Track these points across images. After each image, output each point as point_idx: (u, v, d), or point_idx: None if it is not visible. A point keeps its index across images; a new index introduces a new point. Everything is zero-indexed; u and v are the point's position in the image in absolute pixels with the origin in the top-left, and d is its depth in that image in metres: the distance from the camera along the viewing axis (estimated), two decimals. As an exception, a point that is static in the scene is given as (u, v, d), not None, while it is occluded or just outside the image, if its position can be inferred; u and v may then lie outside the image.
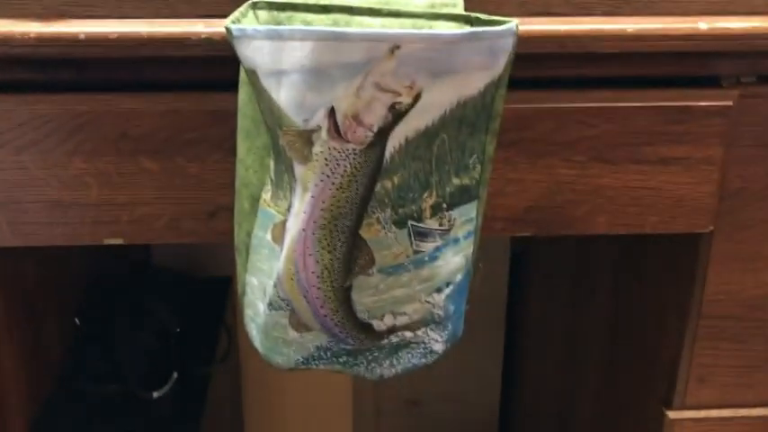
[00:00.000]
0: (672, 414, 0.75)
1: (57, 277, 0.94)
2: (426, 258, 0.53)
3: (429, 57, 0.47)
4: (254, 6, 0.56)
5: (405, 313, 0.54)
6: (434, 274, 0.54)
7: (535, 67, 0.60)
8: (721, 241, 0.69)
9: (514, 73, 0.54)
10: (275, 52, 0.47)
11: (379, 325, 0.54)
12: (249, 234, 0.57)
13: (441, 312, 0.56)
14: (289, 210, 0.52)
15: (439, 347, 0.58)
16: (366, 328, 0.54)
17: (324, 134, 0.48)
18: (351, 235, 0.51)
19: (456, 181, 0.54)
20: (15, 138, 0.59)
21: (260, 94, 0.50)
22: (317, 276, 0.52)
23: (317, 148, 0.48)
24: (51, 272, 0.92)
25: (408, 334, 0.56)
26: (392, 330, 0.55)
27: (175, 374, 0.90)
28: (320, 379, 1.19)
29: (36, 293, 0.88)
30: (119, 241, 0.63)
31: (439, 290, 0.55)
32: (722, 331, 0.72)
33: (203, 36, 0.57)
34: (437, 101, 0.50)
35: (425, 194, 0.52)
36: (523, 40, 0.57)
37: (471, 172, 0.56)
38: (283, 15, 0.57)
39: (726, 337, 0.73)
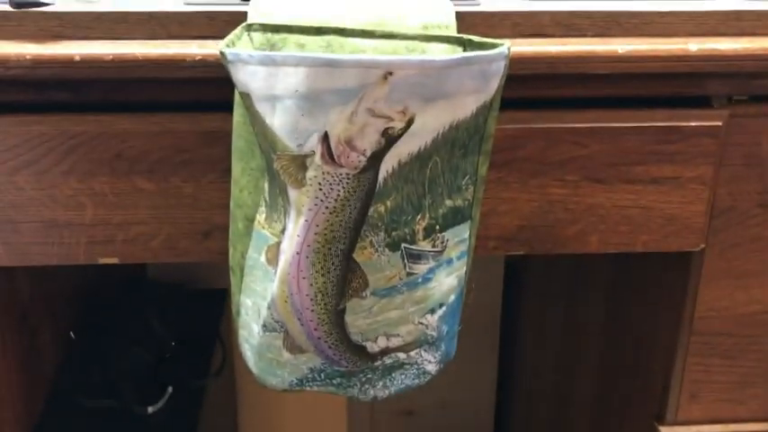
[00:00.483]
0: (664, 429, 0.75)
1: (51, 291, 0.94)
2: (419, 280, 0.54)
3: (421, 82, 0.48)
4: (249, 28, 0.56)
5: (398, 335, 0.55)
6: (428, 296, 0.55)
7: (527, 87, 0.61)
8: (712, 259, 0.69)
9: (506, 93, 0.54)
10: (269, 77, 0.48)
11: (372, 347, 0.55)
12: (244, 255, 0.57)
13: (434, 333, 0.56)
14: (283, 232, 0.52)
15: (432, 368, 0.58)
16: (360, 350, 0.55)
17: (317, 159, 0.48)
18: (344, 258, 0.51)
19: (449, 202, 0.55)
20: (10, 158, 0.59)
21: (254, 117, 0.51)
22: (311, 299, 0.52)
23: (310, 173, 0.49)
24: (46, 286, 0.92)
25: (402, 355, 0.56)
26: (385, 352, 0.55)
27: (170, 389, 0.90)
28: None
29: (31, 307, 0.88)
30: (114, 260, 0.63)
31: (432, 311, 0.56)
32: (713, 348, 0.73)
33: (198, 58, 0.57)
34: (430, 125, 0.50)
35: (418, 217, 0.53)
36: (515, 61, 0.57)
37: (464, 193, 0.56)
38: (277, 37, 0.57)
39: (717, 353, 0.73)
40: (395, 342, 0.55)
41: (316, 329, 0.53)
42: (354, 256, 0.51)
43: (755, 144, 0.66)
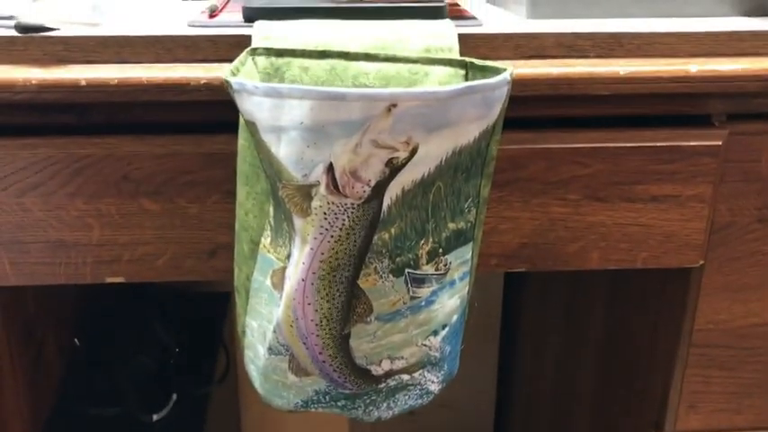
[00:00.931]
0: (663, 439, 0.77)
1: (56, 301, 0.95)
2: (423, 304, 0.55)
3: (425, 113, 0.48)
4: (253, 53, 0.57)
5: (402, 357, 0.55)
6: (431, 318, 0.56)
7: (528, 108, 0.61)
8: (711, 273, 0.70)
9: (508, 114, 0.55)
10: (274, 109, 0.48)
11: (376, 370, 0.55)
12: (249, 277, 0.58)
13: (437, 354, 0.57)
14: (288, 258, 0.53)
15: (435, 388, 0.59)
16: (364, 373, 0.55)
17: (322, 189, 0.49)
18: (349, 285, 0.52)
19: (452, 225, 0.56)
20: (17, 180, 0.60)
21: (259, 145, 0.51)
22: (316, 324, 0.53)
23: (315, 203, 0.49)
24: (51, 297, 0.92)
25: (405, 377, 0.57)
26: (389, 374, 0.56)
27: (175, 396, 0.91)
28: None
29: (36, 319, 0.89)
30: (120, 280, 0.64)
31: (435, 333, 0.56)
32: (712, 359, 0.74)
33: (203, 82, 0.57)
34: (433, 152, 0.51)
35: (422, 242, 0.53)
36: (517, 83, 0.58)
37: (467, 215, 0.57)
38: (281, 61, 0.57)
39: (715, 364, 0.74)
40: (398, 364, 0.56)
41: (320, 353, 0.54)
42: (359, 282, 0.52)
43: (755, 161, 0.66)
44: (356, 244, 0.50)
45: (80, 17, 0.61)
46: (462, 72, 0.58)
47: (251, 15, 0.62)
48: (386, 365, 0.55)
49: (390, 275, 0.52)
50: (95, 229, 0.62)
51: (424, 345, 0.56)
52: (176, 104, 0.59)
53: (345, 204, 0.49)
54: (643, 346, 0.81)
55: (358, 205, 0.49)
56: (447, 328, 0.57)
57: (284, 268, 0.54)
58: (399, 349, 0.55)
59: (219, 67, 0.59)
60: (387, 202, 0.50)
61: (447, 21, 0.62)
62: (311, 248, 0.51)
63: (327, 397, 0.56)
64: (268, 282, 0.55)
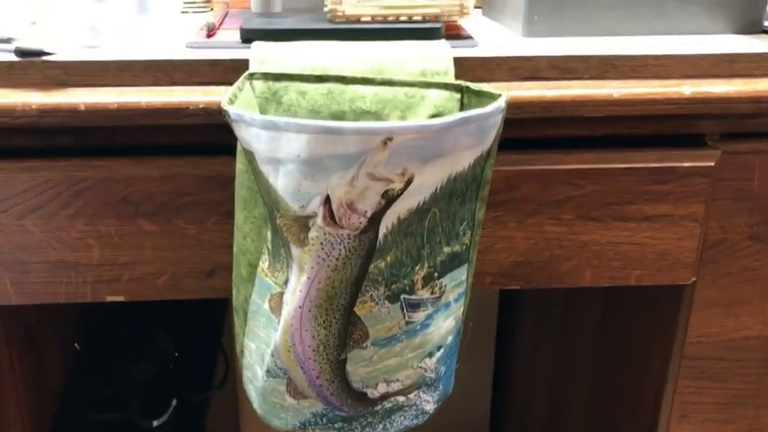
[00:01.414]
0: (655, 449, 0.78)
1: (57, 309, 0.95)
2: (418, 327, 0.56)
3: (420, 145, 0.49)
4: (251, 77, 0.57)
5: (397, 380, 0.56)
6: (426, 341, 0.56)
7: (523, 129, 0.62)
8: (704, 288, 0.71)
9: (502, 135, 0.55)
10: (272, 141, 0.49)
11: (372, 393, 0.56)
12: (247, 299, 0.58)
13: (432, 375, 0.58)
14: (286, 284, 0.54)
15: (430, 407, 0.60)
16: (360, 396, 0.56)
17: (319, 220, 0.50)
18: (345, 312, 0.52)
19: (447, 249, 0.56)
20: (18, 203, 0.61)
21: (257, 174, 0.52)
22: (313, 350, 0.54)
23: (312, 233, 0.50)
24: (52, 305, 0.93)
25: (401, 398, 0.58)
26: (385, 397, 0.57)
27: (174, 401, 0.92)
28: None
29: (37, 323, 0.90)
30: (120, 298, 0.65)
31: (430, 354, 0.57)
32: (704, 371, 0.75)
33: (201, 106, 0.58)
34: (428, 181, 0.51)
35: (417, 267, 0.54)
36: (512, 106, 0.58)
37: (462, 238, 0.57)
38: (279, 85, 0.58)
39: (707, 376, 0.75)
40: (394, 387, 0.57)
41: (318, 377, 0.55)
42: (355, 310, 0.53)
43: (748, 179, 0.67)
44: (352, 273, 0.51)
45: (79, 39, 0.62)
46: (458, 96, 0.59)
47: (248, 37, 0.63)
48: (382, 388, 0.56)
49: (386, 302, 0.53)
50: (95, 250, 0.63)
51: (420, 367, 0.57)
52: (175, 127, 0.59)
53: (342, 235, 0.50)
54: (636, 358, 0.82)
55: (354, 236, 0.50)
56: (442, 350, 0.58)
57: (282, 293, 0.54)
58: (395, 372, 0.56)
59: (218, 91, 0.59)
60: (383, 230, 0.51)
61: (443, 42, 0.63)
62: (308, 277, 0.51)
63: (325, 419, 0.57)
64: (266, 305, 0.56)
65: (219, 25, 0.70)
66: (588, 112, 0.61)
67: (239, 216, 0.58)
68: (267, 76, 0.58)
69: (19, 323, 0.86)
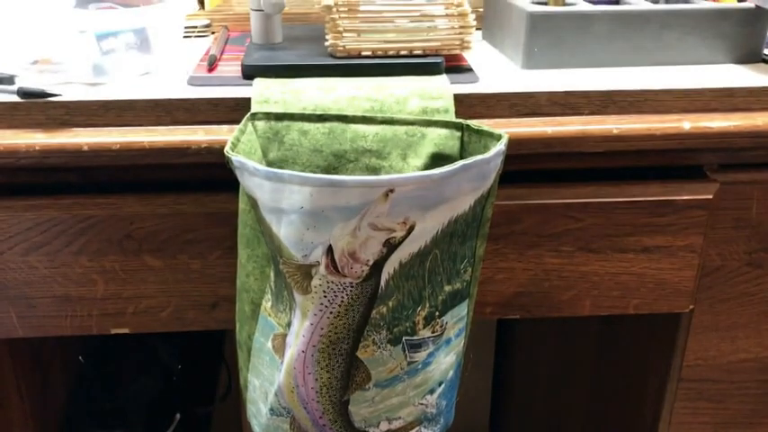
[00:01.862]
0: (651, 467, 0.79)
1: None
2: (420, 366, 0.56)
3: (421, 194, 0.49)
4: (253, 118, 0.58)
5: (399, 417, 0.57)
6: (428, 378, 0.57)
7: (523, 163, 0.63)
8: (701, 313, 0.72)
9: (502, 169, 0.56)
10: (275, 192, 0.49)
11: (375, 431, 0.57)
12: (250, 337, 0.59)
13: (434, 411, 0.59)
14: (289, 326, 0.54)
15: (431, 441, 0.61)
16: (363, 435, 0.58)
17: (322, 269, 0.50)
18: (348, 356, 0.53)
19: (448, 288, 0.57)
20: (23, 240, 0.61)
21: (260, 220, 0.52)
22: (316, 392, 0.54)
23: (315, 281, 0.51)
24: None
25: (403, 435, 0.59)
26: (387, 434, 0.58)
27: (178, 415, 0.94)
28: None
29: (42, 341, 0.90)
30: (125, 331, 0.65)
31: (432, 391, 0.58)
32: (700, 393, 0.76)
33: (204, 145, 0.58)
34: (429, 227, 0.52)
35: (419, 308, 0.55)
36: (512, 142, 0.59)
37: (462, 276, 0.58)
38: (281, 125, 0.58)
39: (704, 397, 0.76)
40: (396, 424, 0.58)
41: (321, 418, 0.56)
42: (357, 353, 0.53)
43: (746, 208, 0.68)
44: (355, 319, 0.52)
45: (81, 77, 0.62)
46: (458, 134, 0.59)
47: (250, 73, 0.63)
48: (384, 426, 0.57)
49: (388, 345, 0.54)
50: (100, 285, 0.63)
51: (421, 403, 0.58)
52: (178, 165, 0.60)
53: (344, 283, 0.51)
54: (634, 380, 0.83)
55: (357, 284, 0.51)
56: (443, 385, 0.59)
57: (285, 335, 0.55)
58: (397, 410, 0.57)
59: (220, 130, 0.60)
60: (384, 276, 0.52)
61: (443, 78, 0.63)
62: (311, 323, 0.52)
63: (328, 456, 0.59)
64: (269, 344, 0.57)
65: (220, 56, 0.70)
66: (588, 148, 0.62)
67: (242, 254, 0.58)
68: (269, 116, 0.58)
69: (24, 341, 0.86)
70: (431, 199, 0.50)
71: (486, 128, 0.57)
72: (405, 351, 0.55)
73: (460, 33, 0.65)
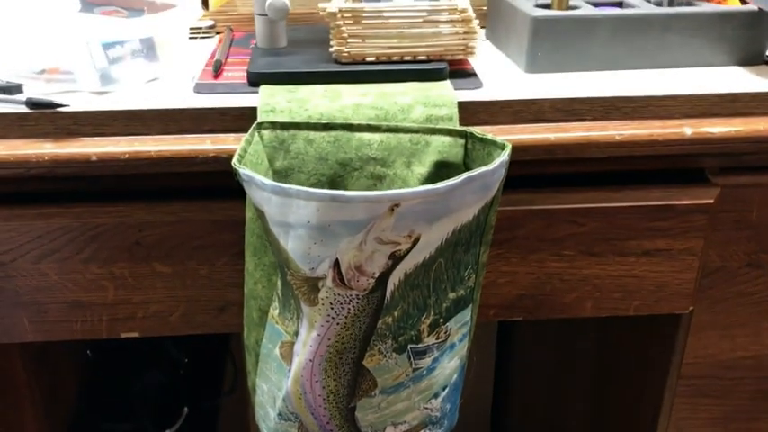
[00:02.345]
0: (651, 461, 0.81)
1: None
2: (425, 372, 0.57)
3: (426, 208, 0.50)
4: (259, 127, 0.58)
5: (405, 421, 0.59)
6: (432, 383, 0.59)
7: (525, 168, 0.63)
8: (701, 313, 0.73)
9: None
10: (282, 206, 0.50)
11: (381, 436, 0.59)
12: (258, 342, 0.60)
13: (438, 414, 0.60)
14: (296, 334, 0.56)
15: (436, 443, 0.63)
16: (369, 440, 0.59)
17: (329, 282, 0.51)
18: (354, 365, 0.54)
19: (452, 295, 0.58)
20: (34, 248, 0.62)
21: (268, 232, 0.53)
22: (324, 399, 0.56)
23: (322, 294, 0.52)
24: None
25: (408, 439, 0.60)
26: (393, 439, 0.60)
27: (186, 409, 0.95)
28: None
29: (51, 341, 0.92)
30: (135, 335, 0.67)
31: (436, 395, 0.60)
32: (700, 389, 0.77)
33: (211, 155, 0.59)
34: (434, 238, 0.53)
35: (423, 317, 0.56)
36: (515, 149, 0.59)
37: (466, 282, 0.59)
38: (286, 134, 0.59)
39: (703, 393, 0.78)
40: (401, 429, 0.59)
41: (328, 423, 0.57)
42: (364, 362, 0.54)
43: (747, 211, 0.68)
44: (361, 330, 0.53)
45: (88, 86, 0.63)
46: (462, 142, 0.60)
47: (255, 80, 0.63)
48: (390, 431, 0.58)
49: (394, 353, 0.55)
50: (110, 290, 0.64)
51: (426, 408, 0.59)
52: (186, 174, 0.61)
53: (351, 295, 0.52)
54: (634, 377, 0.84)
55: (363, 296, 0.52)
56: (447, 389, 0.60)
57: (292, 343, 0.56)
58: (402, 415, 0.58)
59: (226, 139, 0.60)
60: (390, 287, 0.53)
61: (447, 84, 0.63)
62: (318, 334, 0.53)
63: (335, 460, 0.60)
64: (277, 351, 0.58)
65: (225, 60, 0.70)
66: (591, 154, 0.62)
67: (250, 262, 0.59)
68: (275, 125, 0.59)
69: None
70: (436, 211, 0.51)
71: (489, 136, 0.58)
72: (410, 358, 0.56)
73: (464, 39, 0.66)
